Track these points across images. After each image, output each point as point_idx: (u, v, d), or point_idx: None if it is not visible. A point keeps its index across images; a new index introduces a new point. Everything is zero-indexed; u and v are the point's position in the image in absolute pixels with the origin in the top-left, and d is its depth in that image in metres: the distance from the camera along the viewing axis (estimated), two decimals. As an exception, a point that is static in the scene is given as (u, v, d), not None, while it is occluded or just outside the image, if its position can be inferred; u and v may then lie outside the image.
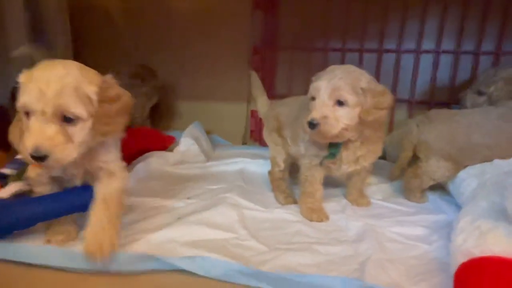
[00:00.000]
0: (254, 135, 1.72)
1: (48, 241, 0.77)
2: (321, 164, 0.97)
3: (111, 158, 0.77)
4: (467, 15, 1.43)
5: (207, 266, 0.69)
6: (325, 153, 0.94)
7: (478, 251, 0.65)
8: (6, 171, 0.89)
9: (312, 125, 0.84)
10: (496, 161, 0.94)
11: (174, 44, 1.74)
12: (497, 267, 0.61)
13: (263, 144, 1.69)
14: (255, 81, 1.21)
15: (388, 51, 1.52)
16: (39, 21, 1.66)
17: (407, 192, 1.09)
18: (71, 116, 0.65)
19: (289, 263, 0.74)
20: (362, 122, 0.87)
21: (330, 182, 1.10)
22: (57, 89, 0.63)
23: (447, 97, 1.50)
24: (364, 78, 0.86)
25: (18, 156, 0.89)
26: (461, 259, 0.66)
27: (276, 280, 0.66)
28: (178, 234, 0.83)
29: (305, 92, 1.48)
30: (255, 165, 1.33)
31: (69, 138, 0.65)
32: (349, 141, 0.91)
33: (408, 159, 1.08)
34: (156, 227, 0.85)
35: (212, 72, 1.74)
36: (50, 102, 0.63)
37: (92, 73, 0.70)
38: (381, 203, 1.07)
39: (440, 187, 1.12)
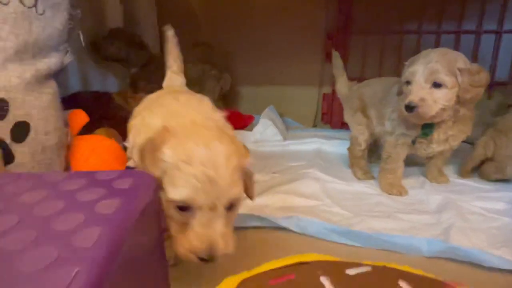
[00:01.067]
0: (326, 117, 1.79)
1: None
2: (413, 143, 1.01)
3: None
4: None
5: (302, 224, 0.80)
6: (418, 132, 0.98)
7: None
8: (127, 144, 1.06)
9: (410, 108, 0.88)
10: None
11: (252, 33, 1.85)
12: None
13: (334, 126, 1.77)
14: (337, 61, 1.26)
15: (467, 31, 1.50)
16: (132, 16, 1.87)
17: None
18: (235, 203, 0.55)
19: (374, 226, 0.82)
20: (459, 102, 0.90)
21: (407, 161, 1.15)
22: (227, 176, 0.52)
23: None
24: (460, 59, 0.90)
25: None
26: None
27: (365, 238, 0.75)
28: (271, 202, 0.94)
29: (378, 74, 1.53)
30: (330, 145, 1.42)
31: (231, 224, 0.56)
32: (442, 121, 0.94)
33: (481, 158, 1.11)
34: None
35: (287, 58, 1.83)
36: (224, 196, 0.52)
37: (236, 141, 0.59)
38: (461, 181, 1.11)
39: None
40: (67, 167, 0.92)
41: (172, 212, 0.53)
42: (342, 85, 1.25)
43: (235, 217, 0.57)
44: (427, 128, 0.97)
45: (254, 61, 1.88)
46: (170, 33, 1.00)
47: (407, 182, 1.08)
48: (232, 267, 0.49)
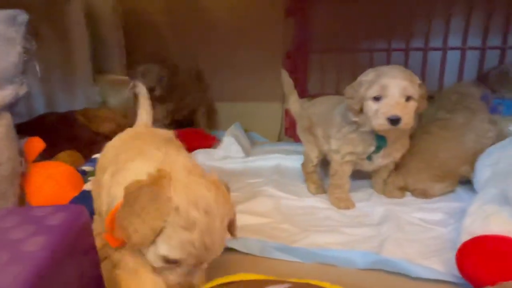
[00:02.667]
0: (289, 132, 1.85)
1: None
2: (369, 159, 1.05)
3: None
4: (492, 12, 1.47)
5: (248, 244, 0.85)
6: (370, 149, 1.03)
7: (481, 231, 0.75)
8: (86, 168, 1.09)
9: (395, 121, 0.90)
10: (509, 152, 1.01)
11: (216, 53, 1.91)
12: (495, 243, 0.71)
13: (297, 140, 1.82)
14: (286, 79, 1.31)
15: (415, 49, 1.59)
16: (98, 38, 1.90)
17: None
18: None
19: (317, 241, 0.88)
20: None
21: (357, 174, 1.21)
22: (220, 241, 0.55)
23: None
24: (414, 74, 0.96)
25: (95, 156, 1.10)
26: (466, 238, 0.76)
27: (304, 253, 0.80)
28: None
29: (336, 92, 1.60)
30: (289, 160, 1.47)
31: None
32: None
33: None
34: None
35: (250, 75, 1.90)
36: (213, 256, 0.55)
37: (222, 186, 0.62)
38: (406, 192, 1.18)
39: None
40: (22, 196, 0.94)
41: (156, 261, 0.54)
42: (293, 103, 1.30)
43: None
44: (381, 141, 1.01)
45: (220, 78, 1.94)
46: (141, 89, 0.98)
47: (356, 195, 1.14)
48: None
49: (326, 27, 1.68)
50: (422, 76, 1.60)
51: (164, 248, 0.52)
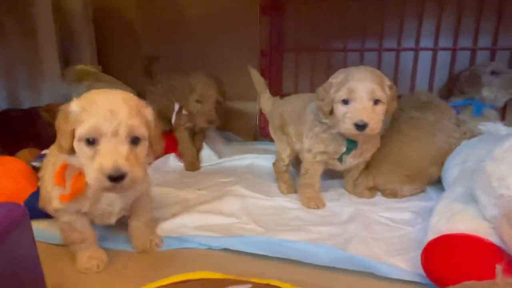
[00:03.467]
0: (263, 131, 1.83)
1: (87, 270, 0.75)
2: (340, 160, 1.03)
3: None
4: (462, 13, 1.49)
5: (210, 239, 0.82)
6: (341, 150, 1.01)
7: (446, 229, 0.74)
8: (36, 164, 1.05)
9: (361, 126, 0.88)
10: (477, 151, 1.01)
11: (191, 50, 1.87)
12: (459, 242, 0.70)
13: (272, 139, 1.81)
14: (256, 77, 1.29)
15: (388, 49, 1.60)
16: (68, 33, 1.84)
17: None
18: (139, 136, 0.65)
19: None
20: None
21: (328, 174, 1.20)
22: (126, 110, 0.63)
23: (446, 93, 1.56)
24: (384, 76, 0.94)
25: (44, 151, 1.05)
26: (431, 236, 0.75)
27: (269, 244, 0.78)
28: (188, 221, 0.95)
29: (311, 89, 1.59)
30: (263, 159, 1.45)
31: (137, 159, 0.65)
32: None
33: None
34: (169, 216, 0.98)
35: (226, 74, 1.86)
36: (123, 123, 0.62)
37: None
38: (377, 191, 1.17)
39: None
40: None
41: (83, 150, 0.63)
42: (265, 101, 1.28)
43: (142, 154, 0.66)
44: (352, 143, 1.00)
45: (195, 76, 1.90)
46: None
47: (328, 195, 1.13)
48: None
49: (301, 26, 1.68)
50: (395, 76, 1.61)
51: (79, 129, 0.63)
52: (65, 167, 0.70)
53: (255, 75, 1.28)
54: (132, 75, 1.84)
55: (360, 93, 0.89)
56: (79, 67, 1.80)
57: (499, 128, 1.15)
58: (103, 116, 0.61)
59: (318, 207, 1.05)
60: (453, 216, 0.77)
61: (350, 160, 1.05)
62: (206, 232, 0.89)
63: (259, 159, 1.46)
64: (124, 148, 0.62)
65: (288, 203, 1.09)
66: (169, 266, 0.78)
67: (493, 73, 1.39)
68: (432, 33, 1.55)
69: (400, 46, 1.58)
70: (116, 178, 0.60)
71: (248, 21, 1.75)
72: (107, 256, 0.78)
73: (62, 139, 0.65)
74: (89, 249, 0.76)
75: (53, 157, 0.77)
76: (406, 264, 0.75)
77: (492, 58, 1.50)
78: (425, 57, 1.57)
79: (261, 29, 1.73)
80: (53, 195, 0.73)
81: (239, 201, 1.06)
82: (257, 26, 1.72)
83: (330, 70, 1.65)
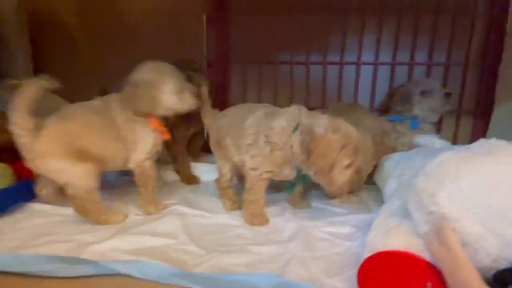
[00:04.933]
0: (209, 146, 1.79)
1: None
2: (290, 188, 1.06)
3: None
4: (400, 30, 1.56)
5: (144, 269, 0.76)
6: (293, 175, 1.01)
7: (381, 246, 0.75)
8: None
9: None
10: (414, 163, 1.04)
11: (135, 59, 1.78)
12: (393, 260, 0.71)
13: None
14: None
15: (331, 63, 1.63)
16: (1, 40, 1.70)
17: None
18: None
19: (222, 263, 0.81)
20: None
21: (272, 188, 1.18)
22: None
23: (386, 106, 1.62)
24: None
25: None
26: (367, 253, 0.75)
27: (204, 279, 0.73)
28: (121, 244, 0.89)
29: (258, 102, 1.58)
30: (209, 174, 1.40)
31: None
32: None
33: None
34: (101, 239, 0.91)
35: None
36: None
37: None
38: (320, 205, 1.17)
39: (375, 188, 1.23)
40: None
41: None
42: (205, 116, 1.23)
43: None
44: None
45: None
46: None
47: (271, 210, 1.11)
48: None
49: (248, 38, 1.67)
50: (339, 89, 1.64)
51: None
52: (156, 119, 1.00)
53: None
54: (69, 84, 1.73)
55: None
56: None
57: (434, 141, 1.21)
58: None
59: (262, 224, 1.03)
60: (389, 232, 0.78)
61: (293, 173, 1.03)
62: (141, 256, 0.83)
63: (205, 174, 1.41)
64: None
65: (231, 220, 1.05)
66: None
67: (423, 93, 1.44)
68: (373, 48, 1.60)
69: (343, 60, 1.62)
70: None
71: (194, 31, 1.71)
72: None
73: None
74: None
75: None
76: (344, 283, 0.75)
77: (428, 73, 1.58)
78: (367, 71, 1.62)
79: (207, 40, 1.70)
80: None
81: (179, 221, 1.01)
82: (203, 37, 1.69)
83: (278, 82, 1.66)
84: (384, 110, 1.59)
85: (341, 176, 0.90)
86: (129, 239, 0.91)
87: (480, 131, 1.57)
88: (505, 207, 0.62)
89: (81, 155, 0.96)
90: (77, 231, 0.96)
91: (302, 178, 1.01)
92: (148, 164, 1.08)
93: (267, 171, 1.01)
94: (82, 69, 1.80)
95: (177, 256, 0.85)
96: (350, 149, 0.89)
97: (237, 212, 1.11)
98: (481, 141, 0.76)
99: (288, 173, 1.01)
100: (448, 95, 1.42)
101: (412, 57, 1.58)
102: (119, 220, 1.02)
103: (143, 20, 1.75)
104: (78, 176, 0.96)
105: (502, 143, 0.71)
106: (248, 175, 1.05)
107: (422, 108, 1.44)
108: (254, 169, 1.03)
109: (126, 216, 1.05)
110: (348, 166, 0.90)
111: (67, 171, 0.95)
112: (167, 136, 1.12)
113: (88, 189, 0.97)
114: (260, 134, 1.00)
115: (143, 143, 1.06)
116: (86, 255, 0.83)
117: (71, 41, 1.84)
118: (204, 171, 1.43)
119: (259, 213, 1.05)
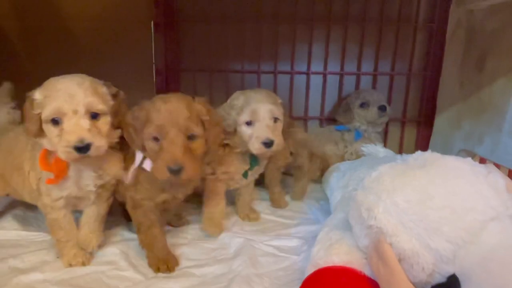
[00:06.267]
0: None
1: (70, 265, 0.85)
2: (245, 176, 1.06)
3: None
4: (347, 41, 1.60)
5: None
6: (246, 166, 1.05)
7: (323, 262, 0.73)
8: None
9: (268, 144, 0.94)
10: (358, 174, 1.05)
11: (80, 66, 1.69)
12: (335, 276, 0.70)
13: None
14: None
15: (282, 72, 1.63)
16: None
17: None
18: (97, 112, 0.76)
19: (149, 289, 0.77)
20: None
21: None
22: (81, 91, 0.74)
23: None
24: (276, 96, 1.02)
25: None
26: (310, 270, 0.74)
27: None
28: (53, 274, 0.82)
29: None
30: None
31: (99, 131, 0.76)
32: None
33: None
34: (30, 267, 0.84)
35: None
36: (82, 102, 0.73)
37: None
38: (270, 217, 1.15)
39: (325, 198, 1.23)
40: None
41: (50, 130, 0.74)
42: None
43: (103, 127, 0.77)
44: (254, 161, 1.04)
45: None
46: None
47: (226, 223, 1.08)
48: None
49: (198, 46, 1.63)
50: (290, 98, 1.65)
51: (44, 112, 0.75)
52: (45, 152, 0.78)
53: None
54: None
55: (262, 114, 0.95)
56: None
57: (379, 150, 1.22)
58: (62, 98, 0.72)
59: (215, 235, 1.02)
60: (331, 247, 0.76)
61: (250, 177, 1.09)
62: (73, 286, 0.77)
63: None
64: (85, 122, 0.73)
65: (178, 239, 1.01)
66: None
67: (362, 105, 1.48)
68: (322, 58, 1.62)
69: (293, 69, 1.63)
70: (81, 148, 0.72)
71: (143, 37, 1.64)
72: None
73: (30, 124, 0.76)
74: (74, 247, 0.86)
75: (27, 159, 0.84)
76: (286, 302, 0.73)
77: (374, 82, 1.62)
78: (316, 80, 1.64)
79: (155, 47, 1.64)
80: (42, 191, 0.82)
81: (116, 246, 0.95)
82: (150, 45, 1.63)
83: (228, 91, 1.63)
84: (333, 119, 1.61)
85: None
86: (63, 267, 0.84)
87: (424, 139, 1.63)
88: (438, 221, 0.63)
89: None
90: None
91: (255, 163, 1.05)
92: None
93: (224, 173, 1.05)
94: (21, 80, 1.68)
95: (114, 283, 0.79)
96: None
97: (183, 228, 1.07)
98: (417, 153, 0.77)
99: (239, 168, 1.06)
100: (382, 107, 1.45)
101: (359, 67, 1.62)
102: None
103: (90, 26, 1.66)
104: None
105: (435, 156, 0.72)
106: (207, 181, 1.05)
107: (360, 120, 1.49)
108: (212, 173, 1.05)
109: None
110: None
111: None
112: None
113: None
114: None
115: None
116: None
117: (8, 46, 1.71)
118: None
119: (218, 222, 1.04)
